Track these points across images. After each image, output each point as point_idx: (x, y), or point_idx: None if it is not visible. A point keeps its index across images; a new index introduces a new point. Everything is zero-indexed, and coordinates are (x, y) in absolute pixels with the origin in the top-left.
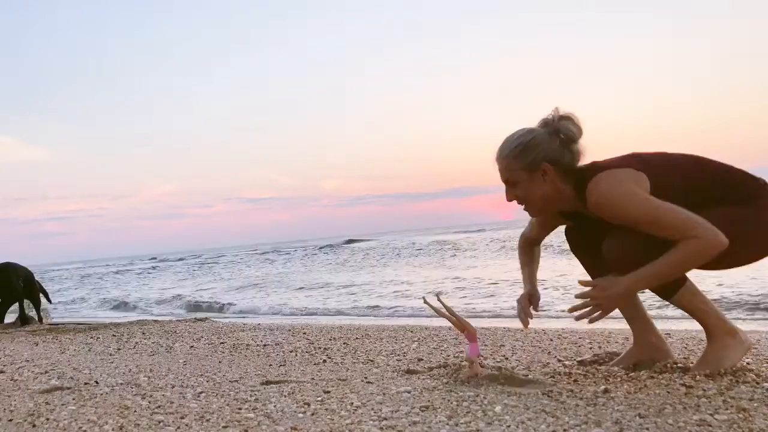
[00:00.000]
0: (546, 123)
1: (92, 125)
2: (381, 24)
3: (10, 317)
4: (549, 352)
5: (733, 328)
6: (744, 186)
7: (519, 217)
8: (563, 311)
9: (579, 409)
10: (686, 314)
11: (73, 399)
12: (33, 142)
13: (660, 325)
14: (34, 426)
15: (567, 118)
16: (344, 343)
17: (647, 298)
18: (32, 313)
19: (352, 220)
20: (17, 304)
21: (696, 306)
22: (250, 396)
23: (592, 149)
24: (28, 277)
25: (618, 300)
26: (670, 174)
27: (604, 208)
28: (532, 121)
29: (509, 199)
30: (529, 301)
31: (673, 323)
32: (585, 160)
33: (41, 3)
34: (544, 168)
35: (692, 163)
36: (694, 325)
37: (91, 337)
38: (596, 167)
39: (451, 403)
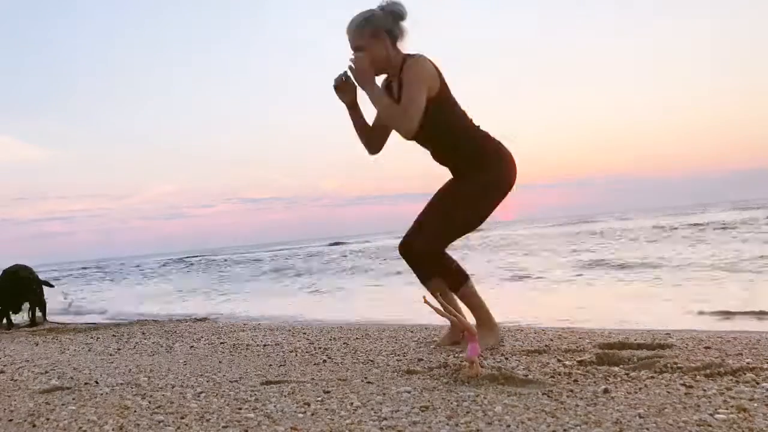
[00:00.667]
0: (382, 7)
1: (92, 125)
2: None
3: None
4: (549, 352)
5: (495, 323)
6: (485, 149)
7: (519, 217)
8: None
9: (579, 409)
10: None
11: (73, 399)
12: (33, 142)
13: (659, 326)
14: (34, 426)
15: (397, 2)
16: (344, 343)
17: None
18: (39, 313)
19: (353, 221)
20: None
21: (473, 302)
22: (250, 396)
23: (592, 149)
24: (36, 279)
25: (359, 72)
26: (452, 97)
27: (404, 73)
28: (531, 120)
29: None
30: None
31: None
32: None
33: (41, 3)
34: (381, 35)
35: (461, 110)
36: (695, 326)
37: (91, 337)
38: (419, 55)
39: (451, 403)
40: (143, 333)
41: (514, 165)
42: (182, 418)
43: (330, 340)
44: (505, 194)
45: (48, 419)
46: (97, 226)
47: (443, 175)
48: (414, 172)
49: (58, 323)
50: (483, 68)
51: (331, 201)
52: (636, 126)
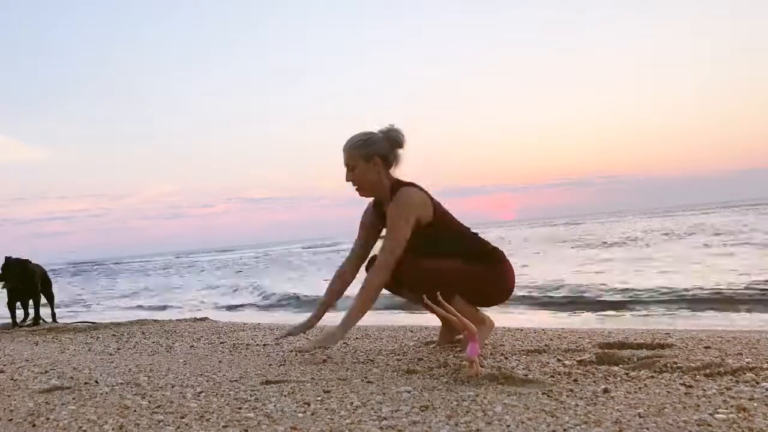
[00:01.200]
0: (382, 131)
1: (92, 125)
2: (381, 24)
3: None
4: (549, 352)
5: (484, 317)
6: (485, 249)
7: (519, 217)
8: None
9: (579, 409)
10: (687, 316)
11: (73, 399)
12: (33, 142)
13: (660, 325)
14: (34, 426)
15: (396, 131)
16: (344, 343)
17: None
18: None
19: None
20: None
21: (462, 309)
22: (250, 396)
23: (592, 149)
24: (44, 275)
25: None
26: (447, 216)
27: (390, 206)
28: (531, 120)
29: (347, 180)
30: (303, 328)
31: (673, 324)
32: (402, 168)
33: (41, 3)
34: (375, 160)
35: (458, 223)
36: (695, 326)
37: (91, 337)
38: (410, 184)
39: (451, 403)
40: (143, 333)
41: (512, 270)
42: (182, 417)
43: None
44: (505, 291)
45: (48, 419)
46: (97, 225)
47: (444, 175)
48: (413, 172)
49: (58, 323)
50: (483, 67)
51: (331, 201)
52: (637, 125)
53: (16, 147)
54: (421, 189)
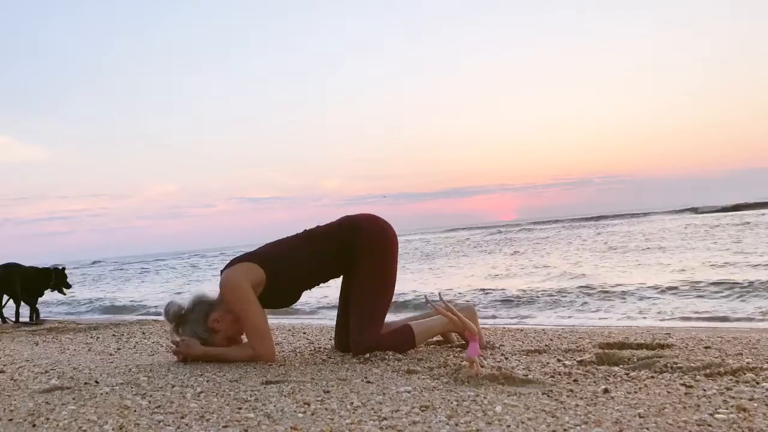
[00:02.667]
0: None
1: (92, 125)
2: (381, 24)
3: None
4: (549, 352)
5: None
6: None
7: (519, 217)
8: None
9: (579, 409)
10: (685, 317)
11: (73, 399)
12: (33, 142)
13: (659, 325)
14: (34, 426)
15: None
16: None
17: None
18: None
19: None
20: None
21: (432, 328)
22: (250, 396)
23: (594, 147)
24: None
25: (195, 357)
26: (283, 259)
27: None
28: (531, 119)
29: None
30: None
31: (673, 324)
32: None
33: (41, 3)
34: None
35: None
36: (694, 325)
37: (91, 337)
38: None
39: (451, 403)
40: (143, 333)
41: (375, 219)
42: (182, 417)
43: (330, 339)
44: (392, 245)
45: (48, 419)
46: (97, 225)
47: (444, 175)
48: (414, 171)
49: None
50: (484, 68)
51: (332, 201)
52: (637, 125)
53: (17, 147)
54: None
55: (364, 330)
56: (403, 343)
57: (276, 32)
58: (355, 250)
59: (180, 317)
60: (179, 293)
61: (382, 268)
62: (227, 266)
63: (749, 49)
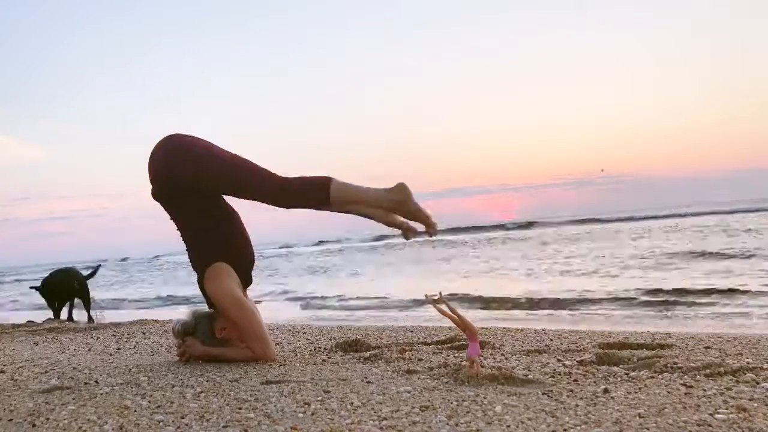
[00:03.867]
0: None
1: (92, 125)
2: (380, 23)
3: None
4: (549, 352)
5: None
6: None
7: (519, 217)
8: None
9: (579, 409)
10: (687, 316)
11: (73, 399)
12: (33, 142)
13: (660, 327)
14: (34, 426)
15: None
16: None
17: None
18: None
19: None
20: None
21: (359, 194)
22: (250, 396)
23: (595, 148)
24: (81, 279)
25: (196, 357)
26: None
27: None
28: (531, 119)
29: None
30: None
31: (675, 325)
32: None
33: (42, 2)
34: None
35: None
36: (695, 326)
37: (91, 337)
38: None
39: (451, 403)
40: (143, 333)
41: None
42: (182, 417)
43: (330, 339)
44: (185, 148)
45: (48, 419)
46: (98, 225)
47: (444, 175)
48: (414, 171)
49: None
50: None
51: None
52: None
53: (17, 147)
54: None
55: (264, 184)
56: (314, 189)
57: (276, 31)
58: (184, 183)
59: (190, 335)
60: (180, 297)
61: (209, 160)
62: (198, 268)
63: (750, 50)
